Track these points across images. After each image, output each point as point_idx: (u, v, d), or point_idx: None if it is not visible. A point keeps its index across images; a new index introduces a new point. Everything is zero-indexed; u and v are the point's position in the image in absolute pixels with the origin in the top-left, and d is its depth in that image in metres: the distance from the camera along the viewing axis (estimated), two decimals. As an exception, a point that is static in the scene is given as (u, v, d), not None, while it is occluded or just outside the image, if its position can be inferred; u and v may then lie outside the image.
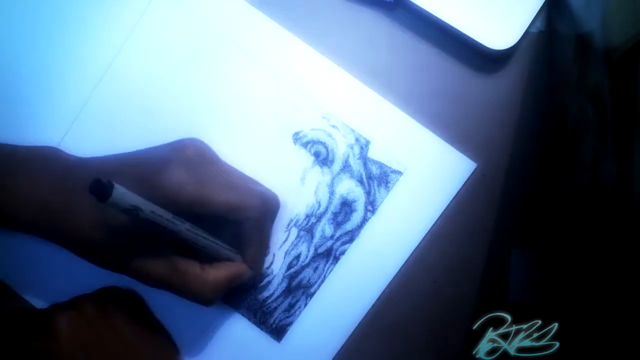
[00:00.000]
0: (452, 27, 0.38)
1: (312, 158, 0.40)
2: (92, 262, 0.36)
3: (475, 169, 0.39)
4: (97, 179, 0.28)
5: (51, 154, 0.38)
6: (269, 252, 0.40)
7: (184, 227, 0.33)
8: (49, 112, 0.40)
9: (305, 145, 0.40)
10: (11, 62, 0.41)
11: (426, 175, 0.39)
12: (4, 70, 0.41)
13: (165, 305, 0.40)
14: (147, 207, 0.31)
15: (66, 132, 0.40)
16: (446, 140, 0.39)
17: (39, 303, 0.40)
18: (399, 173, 0.39)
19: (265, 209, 0.37)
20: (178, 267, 0.35)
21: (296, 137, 0.40)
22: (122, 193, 0.29)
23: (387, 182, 0.39)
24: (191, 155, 0.35)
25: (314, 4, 0.40)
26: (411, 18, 0.40)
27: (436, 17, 0.38)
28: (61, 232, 0.35)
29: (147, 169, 0.34)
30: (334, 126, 0.40)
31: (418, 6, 0.38)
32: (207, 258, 0.36)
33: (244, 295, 0.40)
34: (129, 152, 0.37)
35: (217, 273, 0.36)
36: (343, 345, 0.39)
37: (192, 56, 0.40)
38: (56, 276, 0.40)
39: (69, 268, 0.40)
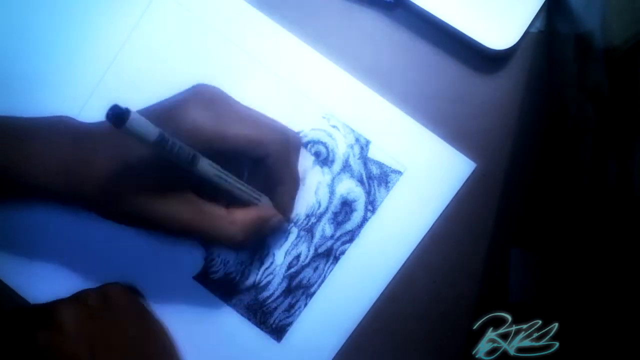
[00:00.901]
0: (452, 27, 0.38)
1: (313, 158, 0.40)
2: (112, 217, 0.36)
3: (475, 169, 0.39)
4: (115, 104, 0.28)
5: (63, 120, 0.37)
6: (296, 194, 0.39)
7: (206, 162, 0.33)
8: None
9: (305, 145, 0.40)
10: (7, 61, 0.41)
11: (426, 175, 0.39)
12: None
13: (164, 305, 0.40)
14: (167, 136, 0.30)
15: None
16: (446, 140, 0.39)
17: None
18: (399, 173, 0.39)
19: (286, 143, 0.36)
20: (203, 209, 0.34)
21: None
22: (139, 119, 0.29)
23: (387, 182, 0.39)
24: (207, 95, 0.35)
25: (313, 4, 0.40)
26: (411, 18, 0.40)
27: (436, 17, 0.38)
28: (80, 189, 0.34)
29: (164, 109, 0.34)
30: (334, 126, 0.40)
31: (418, 6, 0.38)
32: (231, 203, 0.35)
33: (244, 296, 0.40)
34: (146, 107, 0.36)
35: (245, 214, 0.35)
36: (343, 345, 0.39)
37: (191, 56, 0.40)
38: (56, 275, 0.40)
39: (69, 268, 0.40)
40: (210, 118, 0.34)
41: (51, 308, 0.35)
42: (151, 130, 0.29)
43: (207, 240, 0.35)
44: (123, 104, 0.28)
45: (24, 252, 0.40)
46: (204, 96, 0.35)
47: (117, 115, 0.28)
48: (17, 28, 0.41)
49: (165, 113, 0.34)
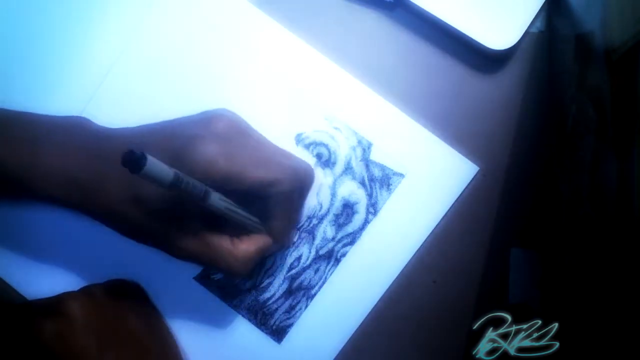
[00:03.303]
0: (452, 27, 0.38)
1: (315, 160, 0.40)
2: (123, 234, 0.36)
3: (477, 172, 0.39)
4: (131, 150, 0.28)
5: (78, 124, 0.37)
6: (295, 226, 0.39)
7: (217, 197, 0.33)
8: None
9: (307, 146, 0.40)
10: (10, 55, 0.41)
11: (428, 178, 0.39)
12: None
13: (165, 305, 0.40)
14: (180, 174, 0.31)
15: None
16: (446, 141, 0.39)
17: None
18: (401, 175, 0.39)
19: (295, 183, 0.36)
20: (210, 243, 0.35)
21: (299, 139, 0.40)
22: (155, 164, 0.29)
23: (389, 185, 0.39)
24: (222, 129, 0.35)
25: (316, 5, 0.40)
26: (412, 18, 0.40)
27: (436, 18, 0.38)
28: (93, 206, 0.35)
29: (178, 143, 0.34)
30: (336, 128, 0.40)
31: (418, 6, 0.38)
32: (235, 230, 0.36)
33: (245, 297, 0.40)
34: (158, 123, 0.36)
35: (248, 247, 0.36)
36: (343, 347, 0.39)
37: (194, 57, 0.40)
38: (57, 275, 0.40)
39: (70, 267, 0.40)
40: (224, 158, 0.33)
41: (59, 300, 0.36)
42: (166, 174, 0.30)
43: (210, 268, 0.36)
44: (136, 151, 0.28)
45: (26, 250, 0.40)
46: (219, 128, 0.35)
47: (133, 161, 0.28)
48: (17, 28, 0.41)
49: (180, 147, 0.33)
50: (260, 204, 0.36)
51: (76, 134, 0.36)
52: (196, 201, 0.32)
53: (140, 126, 0.36)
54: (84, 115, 0.39)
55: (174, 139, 0.34)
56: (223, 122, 0.35)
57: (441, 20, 0.38)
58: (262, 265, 0.40)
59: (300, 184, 0.37)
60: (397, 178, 0.39)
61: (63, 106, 0.39)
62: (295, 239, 0.40)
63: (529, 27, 0.38)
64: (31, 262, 0.40)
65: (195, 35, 0.40)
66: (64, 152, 0.35)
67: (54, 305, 0.35)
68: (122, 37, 0.41)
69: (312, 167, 0.39)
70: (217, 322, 0.40)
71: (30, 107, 0.37)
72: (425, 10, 0.38)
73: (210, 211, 0.34)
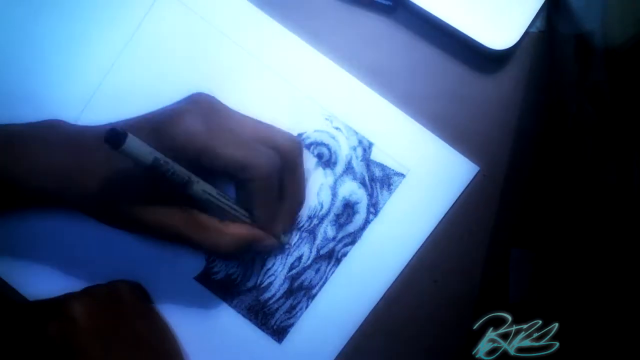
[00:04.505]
0: (452, 28, 0.38)
1: (315, 160, 0.40)
2: (105, 221, 0.36)
3: (477, 173, 0.39)
4: (112, 127, 0.29)
5: (52, 124, 0.38)
6: (285, 216, 0.38)
7: (200, 187, 0.34)
8: (52, 113, 0.40)
9: (308, 146, 0.40)
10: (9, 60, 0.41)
11: (429, 178, 0.39)
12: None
13: (166, 305, 0.40)
14: (161, 158, 0.31)
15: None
16: (446, 140, 0.39)
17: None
18: (402, 175, 0.39)
19: (271, 170, 0.36)
20: (196, 219, 0.35)
21: (299, 139, 0.40)
22: (136, 142, 0.30)
23: (389, 185, 0.39)
24: (202, 106, 0.35)
25: (316, 5, 0.40)
26: (412, 19, 0.40)
27: (437, 18, 0.38)
28: (73, 192, 0.35)
29: (157, 119, 0.34)
30: (337, 128, 0.40)
31: (418, 6, 0.38)
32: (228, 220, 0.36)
33: (246, 296, 0.40)
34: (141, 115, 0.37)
35: (238, 228, 0.36)
36: (344, 347, 0.39)
37: (195, 57, 0.40)
38: (58, 275, 0.40)
39: (70, 267, 0.40)
40: (202, 132, 0.34)
41: (62, 301, 0.36)
42: (147, 153, 0.31)
43: (199, 248, 0.36)
44: (125, 113, 0.29)
45: (26, 251, 0.40)
46: (200, 106, 0.35)
47: (114, 137, 0.29)
48: (18, 28, 0.41)
49: (160, 121, 0.34)
50: (242, 195, 0.36)
51: (56, 132, 0.37)
52: (178, 189, 0.33)
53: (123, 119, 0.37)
54: (82, 117, 0.40)
55: (154, 116, 0.35)
56: (205, 100, 0.36)
57: (441, 20, 0.38)
58: (263, 265, 0.40)
59: (273, 172, 0.36)
60: (397, 178, 0.39)
61: (59, 111, 0.40)
62: (294, 240, 0.40)
63: (529, 27, 0.38)
64: (31, 262, 0.40)
65: (196, 36, 0.40)
66: (45, 146, 0.35)
67: (57, 306, 0.36)
68: (121, 37, 0.40)
69: (296, 140, 0.38)
70: (218, 322, 0.40)
71: (26, 112, 0.38)
72: (425, 10, 0.38)
73: (193, 195, 0.34)
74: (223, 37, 0.40)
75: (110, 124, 0.37)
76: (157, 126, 0.34)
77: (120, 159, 0.30)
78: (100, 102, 0.40)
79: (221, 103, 0.37)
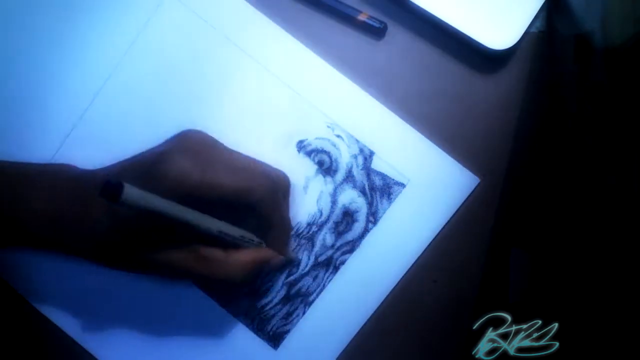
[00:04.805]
0: (452, 27, 0.38)
1: (316, 167, 0.40)
2: (112, 266, 0.36)
3: (478, 184, 0.39)
4: (107, 180, 0.28)
5: (60, 169, 0.38)
6: (290, 235, 0.39)
7: (196, 215, 0.33)
8: (53, 113, 0.40)
9: (309, 153, 0.40)
10: (14, 60, 0.41)
11: (429, 188, 0.39)
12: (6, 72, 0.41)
13: (164, 309, 0.40)
14: (160, 202, 0.31)
15: (67, 135, 0.40)
16: (445, 141, 0.39)
17: (42, 306, 0.40)
18: (402, 185, 0.39)
19: (274, 189, 0.36)
20: (201, 255, 0.35)
21: (300, 146, 0.40)
22: (132, 191, 0.29)
23: (389, 194, 0.39)
24: (191, 143, 0.35)
25: (320, 13, 0.40)
26: (411, 19, 0.40)
27: (436, 17, 0.38)
28: (79, 242, 0.36)
29: (148, 162, 0.34)
30: (338, 136, 0.40)
31: (419, 7, 0.38)
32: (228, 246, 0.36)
33: (243, 302, 0.40)
34: (135, 154, 0.37)
35: (243, 255, 0.36)
36: (340, 354, 0.39)
37: (198, 62, 0.40)
38: (58, 275, 0.40)
39: (70, 268, 0.40)
40: (196, 166, 0.34)
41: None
42: (146, 199, 0.30)
43: (210, 282, 0.37)
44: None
45: (26, 252, 0.40)
46: (189, 144, 0.35)
47: (110, 191, 0.28)
48: (18, 28, 0.41)
49: (151, 164, 0.34)
50: (252, 220, 0.36)
51: (60, 179, 0.37)
52: (187, 227, 0.32)
53: (121, 160, 0.37)
54: (66, 143, 0.40)
55: (144, 159, 0.35)
56: (193, 137, 0.36)
57: (441, 20, 0.38)
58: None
59: (279, 189, 0.37)
60: (397, 187, 0.39)
61: (58, 117, 0.40)
62: (298, 255, 0.40)
63: (529, 27, 0.38)
64: (31, 262, 0.40)
65: (199, 41, 0.40)
66: (49, 196, 0.36)
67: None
68: (124, 39, 0.40)
69: (286, 174, 0.39)
70: (214, 326, 0.40)
71: (26, 115, 0.38)
72: (425, 10, 0.38)
73: (198, 230, 0.34)
74: (226, 42, 0.40)
75: (104, 167, 0.37)
76: (147, 169, 0.34)
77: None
78: (101, 106, 0.40)
79: (211, 137, 0.37)
